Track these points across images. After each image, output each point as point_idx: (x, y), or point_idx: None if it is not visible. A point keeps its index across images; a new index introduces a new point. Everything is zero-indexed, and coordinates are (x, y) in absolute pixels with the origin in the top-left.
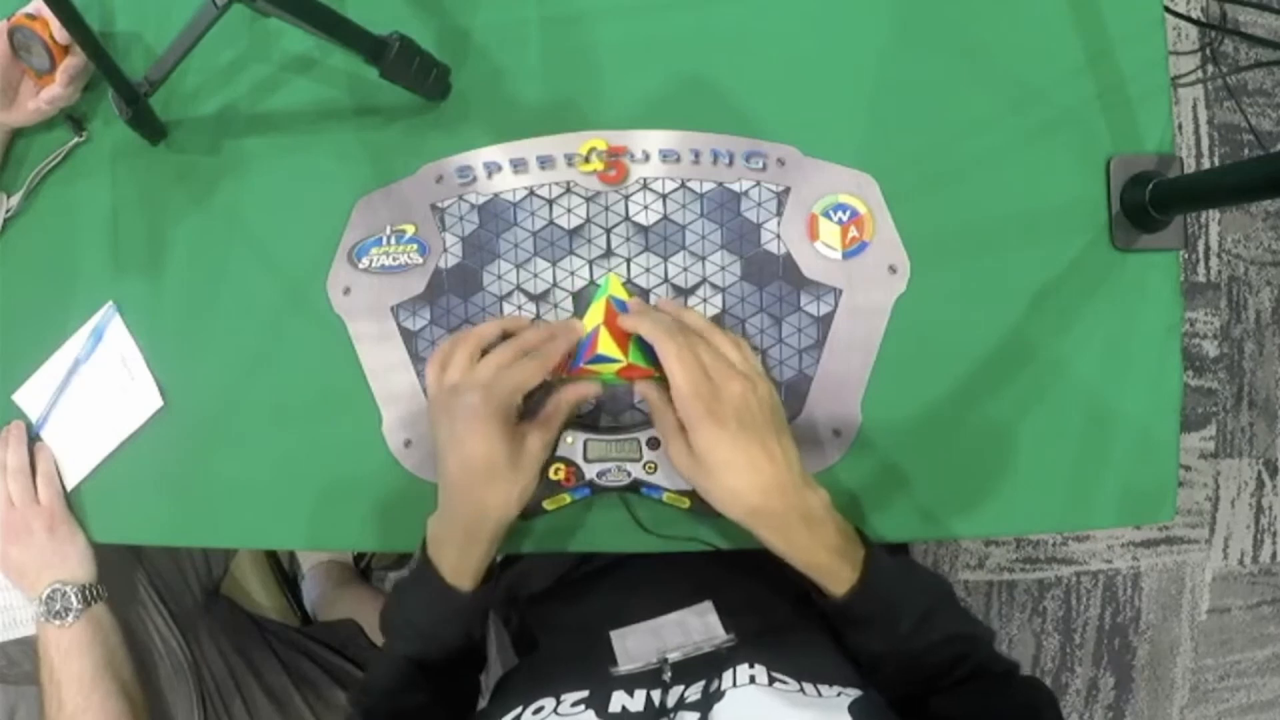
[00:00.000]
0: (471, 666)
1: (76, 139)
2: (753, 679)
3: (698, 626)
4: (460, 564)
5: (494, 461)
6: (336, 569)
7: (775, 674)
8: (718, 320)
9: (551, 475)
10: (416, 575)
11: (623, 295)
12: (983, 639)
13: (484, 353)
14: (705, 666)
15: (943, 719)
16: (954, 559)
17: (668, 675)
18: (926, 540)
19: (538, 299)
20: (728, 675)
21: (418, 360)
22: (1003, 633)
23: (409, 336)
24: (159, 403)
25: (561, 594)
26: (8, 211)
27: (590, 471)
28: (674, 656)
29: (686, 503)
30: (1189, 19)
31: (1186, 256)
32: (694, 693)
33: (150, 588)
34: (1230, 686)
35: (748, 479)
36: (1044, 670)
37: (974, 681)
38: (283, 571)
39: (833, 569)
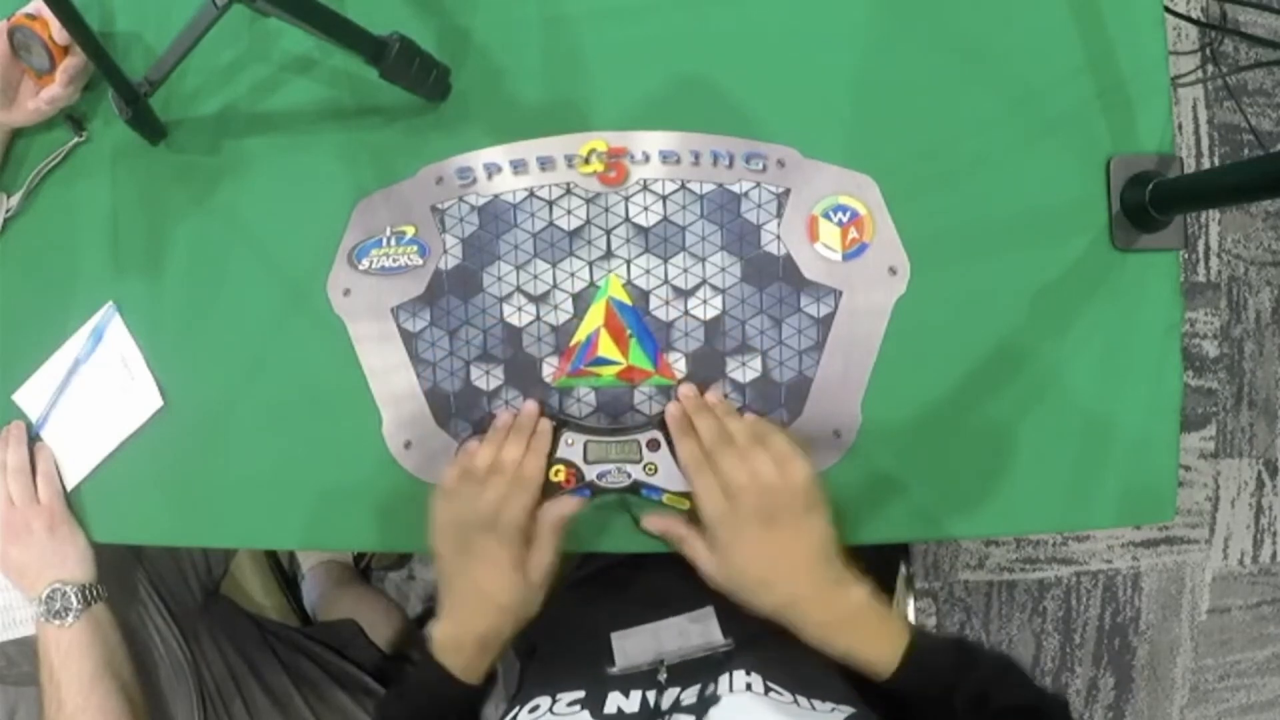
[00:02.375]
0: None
1: (76, 139)
2: (749, 686)
3: (697, 631)
4: (471, 667)
5: (507, 593)
6: (336, 569)
7: (771, 684)
8: (717, 322)
9: (552, 477)
10: (426, 681)
11: (623, 297)
12: (1048, 711)
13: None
14: (702, 670)
15: None
16: (954, 559)
17: (663, 676)
18: (926, 540)
19: (538, 300)
20: (724, 680)
21: (418, 361)
22: (1002, 633)
23: (409, 338)
24: (159, 403)
25: (560, 599)
26: (8, 211)
27: (590, 473)
28: (671, 659)
29: (686, 504)
30: (1189, 19)
31: (1186, 256)
32: (689, 696)
33: (150, 588)
34: (1230, 686)
35: (780, 594)
36: (1044, 670)
37: None
38: (283, 571)
39: (872, 662)
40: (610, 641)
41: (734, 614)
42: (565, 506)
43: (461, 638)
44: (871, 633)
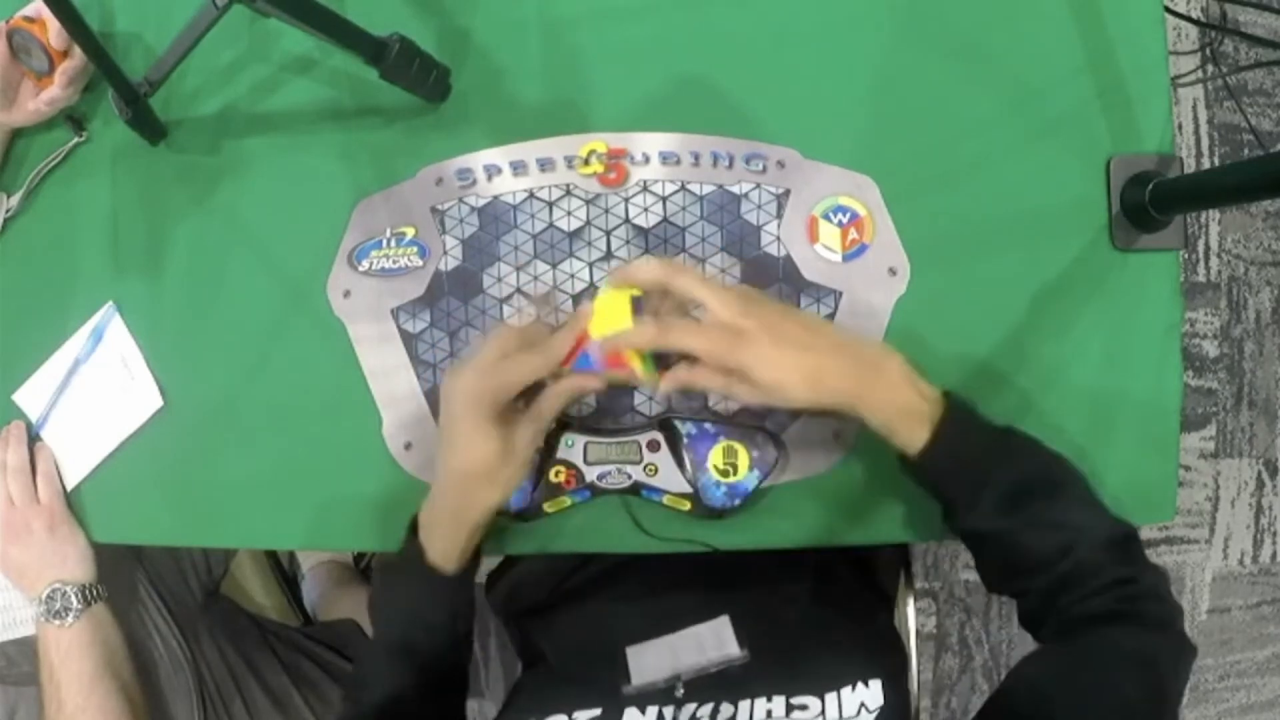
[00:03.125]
0: (457, 683)
1: (76, 139)
2: (769, 714)
3: (714, 643)
4: (446, 548)
5: (485, 461)
6: (336, 569)
7: (794, 700)
8: None
9: (552, 478)
10: (402, 558)
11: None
12: (1099, 536)
13: None
14: (719, 687)
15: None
16: (954, 559)
17: (680, 693)
18: (928, 541)
19: (538, 301)
20: (744, 707)
21: (418, 363)
22: (1003, 633)
23: (409, 339)
24: (159, 403)
25: (564, 604)
26: (8, 211)
27: (591, 474)
28: (687, 675)
29: (687, 505)
30: (1189, 19)
31: (1186, 256)
32: (705, 714)
33: (150, 587)
34: (1230, 686)
35: (815, 361)
36: None
37: (1073, 634)
38: (283, 571)
39: (917, 414)
40: (623, 654)
41: (744, 617)
42: (583, 382)
43: (437, 515)
44: (906, 391)
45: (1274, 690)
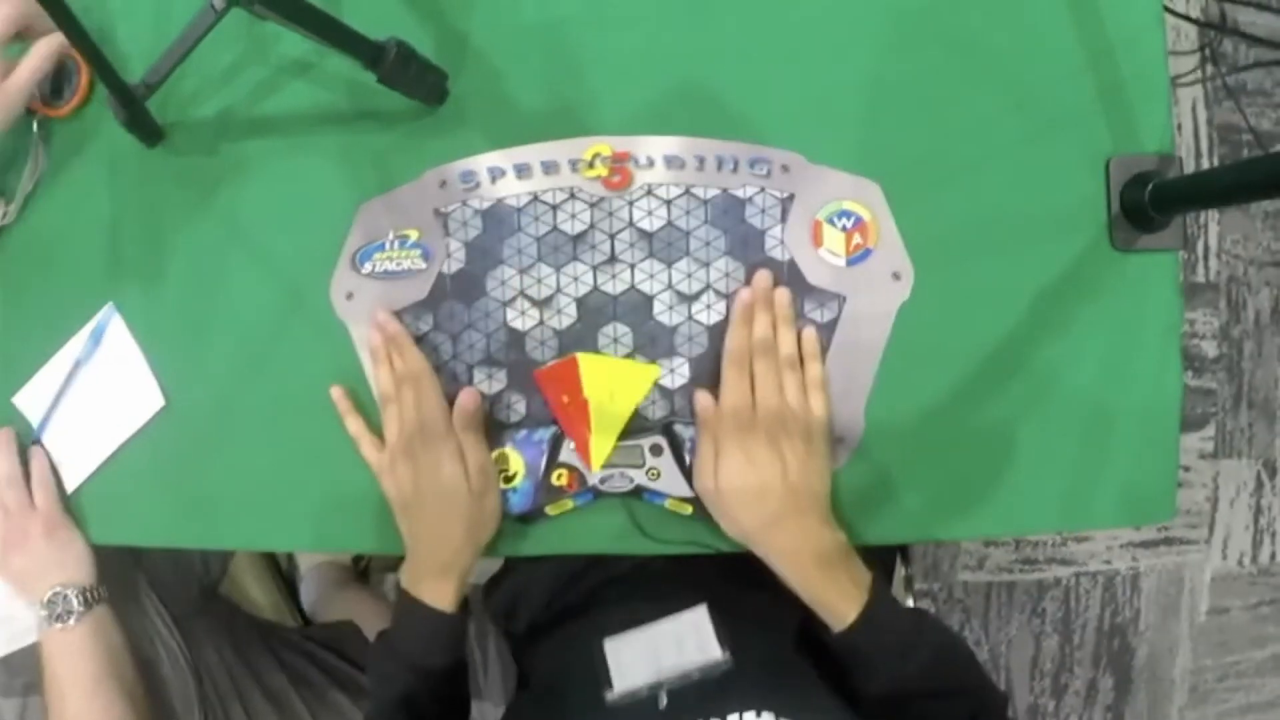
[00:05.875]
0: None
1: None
2: None
3: (693, 642)
4: (438, 593)
5: (459, 491)
6: (335, 570)
7: (782, 718)
8: (721, 328)
9: (554, 481)
10: (401, 614)
11: None
12: (990, 705)
13: None
14: (704, 699)
15: None
16: (954, 559)
17: (663, 704)
18: (927, 541)
19: (541, 304)
20: None
21: None
22: (1001, 634)
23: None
24: (160, 403)
25: (558, 626)
26: (4, 215)
27: (593, 478)
28: (670, 680)
29: (689, 509)
30: (1189, 19)
31: (1186, 256)
32: None
33: (149, 589)
34: (1229, 687)
35: (765, 511)
36: (1043, 671)
37: None
38: (281, 572)
39: (834, 607)
40: (600, 651)
41: (740, 627)
42: (464, 402)
43: (421, 571)
44: (843, 577)
45: (1274, 690)
